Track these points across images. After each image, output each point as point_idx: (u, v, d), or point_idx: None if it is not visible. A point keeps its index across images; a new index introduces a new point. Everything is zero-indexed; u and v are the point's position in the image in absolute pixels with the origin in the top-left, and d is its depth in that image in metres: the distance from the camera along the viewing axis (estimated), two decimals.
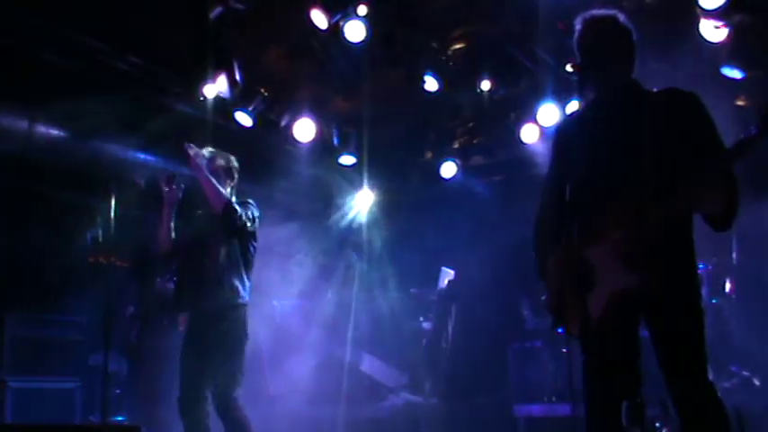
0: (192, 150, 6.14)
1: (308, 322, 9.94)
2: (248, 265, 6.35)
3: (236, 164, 6.53)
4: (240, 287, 6.22)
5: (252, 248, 6.38)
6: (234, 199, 6.33)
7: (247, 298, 6.28)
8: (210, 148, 6.52)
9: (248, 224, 6.24)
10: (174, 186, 6.33)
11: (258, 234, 6.44)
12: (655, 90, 4.07)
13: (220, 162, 6.41)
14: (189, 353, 6.24)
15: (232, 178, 6.46)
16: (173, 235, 6.43)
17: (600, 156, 3.98)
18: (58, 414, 8.48)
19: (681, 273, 3.86)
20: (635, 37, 4.11)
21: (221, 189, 6.19)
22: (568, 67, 3.82)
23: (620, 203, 3.84)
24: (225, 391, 6.10)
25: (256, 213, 6.36)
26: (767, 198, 6.73)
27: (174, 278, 6.46)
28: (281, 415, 9.08)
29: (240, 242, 6.29)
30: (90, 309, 8.70)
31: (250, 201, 6.42)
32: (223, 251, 6.21)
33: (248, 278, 6.34)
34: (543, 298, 4.14)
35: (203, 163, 6.16)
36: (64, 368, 8.86)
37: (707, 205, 3.72)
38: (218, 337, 6.12)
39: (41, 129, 8.73)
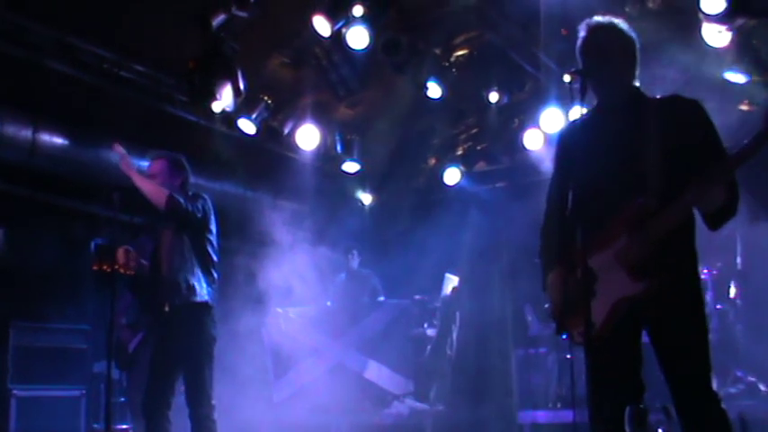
0: (121, 151, 6.00)
1: (313, 329, 9.93)
2: (207, 262, 6.14)
3: (184, 163, 6.36)
4: (197, 285, 6.03)
5: (208, 244, 6.17)
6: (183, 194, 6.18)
7: (207, 297, 6.08)
8: (153, 153, 6.44)
9: (197, 214, 6.06)
10: (128, 261, 6.24)
11: (213, 228, 6.24)
12: (657, 97, 4.06)
13: (162, 164, 6.29)
14: (154, 357, 6.13)
15: (181, 177, 6.30)
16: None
17: (602, 162, 3.95)
18: (62, 422, 8.48)
19: (684, 281, 3.84)
20: (638, 44, 4.09)
21: (156, 185, 6.03)
22: (566, 78, 3.79)
23: (625, 210, 3.83)
24: (192, 396, 5.94)
25: (208, 206, 6.17)
26: None
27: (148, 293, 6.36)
28: (285, 422, 9.08)
29: (192, 238, 6.11)
30: (94, 317, 8.71)
31: (201, 194, 6.25)
32: (175, 251, 6.05)
33: (209, 276, 6.14)
34: (547, 306, 4.14)
35: (132, 163, 6.02)
36: (68, 376, 8.85)
37: (709, 202, 3.70)
38: (180, 339, 5.97)
39: (45, 137, 8.74)
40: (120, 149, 6.02)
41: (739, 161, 3.61)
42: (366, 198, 12.71)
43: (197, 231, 6.15)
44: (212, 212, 6.25)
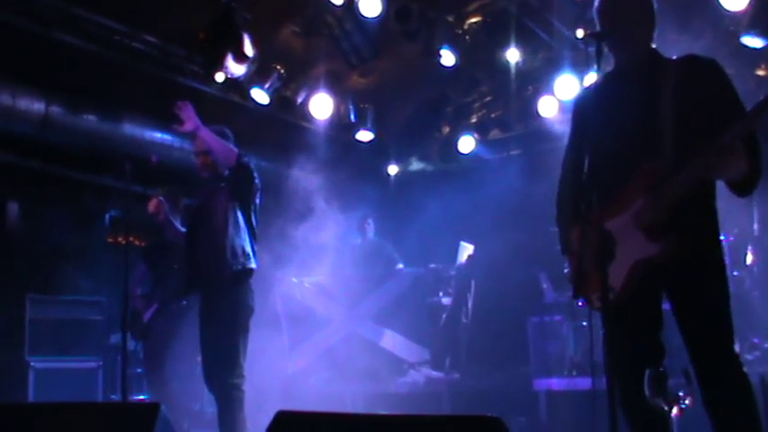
0: (186, 107, 5.90)
1: (328, 299, 9.93)
2: (253, 229, 6.18)
3: (228, 133, 6.35)
4: (250, 252, 6.08)
5: (254, 216, 6.21)
6: None
7: (256, 264, 6.12)
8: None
9: (257, 178, 6.17)
10: (159, 211, 6.30)
11: (258, 204, 6.29)
12: (674, 58, 4.01)
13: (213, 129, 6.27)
14: (203, 326, 6.11)
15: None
16: (181, 229, 6.51)
17: (620, 125, 3.93)
18: (79, 393, 8.54)
19: (703, 242, 3.82)
20: (656, 5, 4.04)
21: (224, 142, 6.07)
22: (579, 33, 3.79)
23: (641, 172, 3.80)
24: (224, 364, 5.91)
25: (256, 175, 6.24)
26: None
27: (185, 257, 6.36)
28: (301, 392, 9.10)
29: (243, 204, 6.14)
30: (109, 289, 8.74)
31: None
32: (230, 218, 6.05)
33: (255, 244, 6.18)
34: (566, 270, 4.11)
35: (198, 120, 5.93)
36: (85, 348, 8.92)
37: (730, 171, 3.67)
38: (227, 308, 5.97)
39: (57, 110, 8.74)
40: (183, 105, 5.92)
41: (752, 119, 3.57)
42: (393, 169, 12.74)
43: (249, 197, 6.18)
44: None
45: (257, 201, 6.27)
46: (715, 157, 3.59)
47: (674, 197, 3.70)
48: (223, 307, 5.99)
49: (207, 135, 5.98)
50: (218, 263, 6.01)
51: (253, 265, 6.10)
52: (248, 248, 6.09)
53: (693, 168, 3.65)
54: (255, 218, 6.25)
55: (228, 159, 6.06)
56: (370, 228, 10.97)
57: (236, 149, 6.08)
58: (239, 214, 6.12)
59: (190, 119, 5.88)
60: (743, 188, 3.75)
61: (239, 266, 6.01)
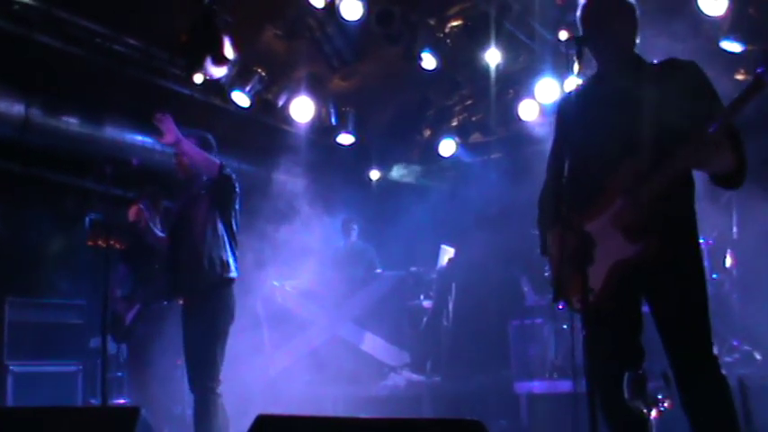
0: (166, 119, 5.79)
1: (309, 302, 9.92)
2: (233, 237, 6.19)
3: (212, 141, 6.36)
4: (230, 262, 6.09)
5: (235, 224, 6.22)
6: None
7: (236, 273, 6.14)
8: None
9: (237, 188, 6.18)
10: (139, 219, 6.32)
11: (238, 209, 6.29)
12: (655, 62, 4.05)
13: (197, 136, 6.26)
14: (185, 329, 6.12)
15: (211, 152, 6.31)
16: (161, 234, 6.51)
17: (602, 127, 3.96)
18: (59, 397, 8.49)
19: (682, 244, 3.85)
20: (638, 13, 4.08)
21: (205, 154, 6.07)
22: (561, 35, 3.81)
23: (621, 173, 3.83)
24: (202, 369, 5.94)
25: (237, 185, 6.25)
26: None
27: (166, 262, 6.36)
28: (282, 395, 9.08)
29: (223, 213, 6.15)
30: (89, 292, 8.69)
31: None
32: (209, 227, 6.06)
33: (235, 251, 6.18)
34: (547, 273, 4.13)
35: (178, 133, 5.85)
36: (65, 352, 8.87)
37: (716, 162, 3.71)
38: (208, 314, 5.99)
39: (38, 112, 8.69)
40: (165, 117, 5.81)
41: (731, 112, 3.60)
42: (374, 174, 12.76)
43: (229, 206, 6.19)
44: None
45: (237, 206, 6.27)
46: (701, 148, 3.61)
47: (651, 195, 3.72)
48: (204, 312, 6.00)
49: (188, 147, 5.95)
50: (196, 273, 6.02)
51: (232, 274, 6.11)
52: (228, 258, 6.10)
53: (676, 160, 3.68)
54: (236, 224, 6.25)
55: (210, 171, 6.06)
56: (355, 231, 10.99)
57: (218, 161, 6.07)
58: (219, 224, 6.13)
59: (170, 131, 5.83)
60: (731, 180, 3.80)
61: (217, 277, 6.03)
